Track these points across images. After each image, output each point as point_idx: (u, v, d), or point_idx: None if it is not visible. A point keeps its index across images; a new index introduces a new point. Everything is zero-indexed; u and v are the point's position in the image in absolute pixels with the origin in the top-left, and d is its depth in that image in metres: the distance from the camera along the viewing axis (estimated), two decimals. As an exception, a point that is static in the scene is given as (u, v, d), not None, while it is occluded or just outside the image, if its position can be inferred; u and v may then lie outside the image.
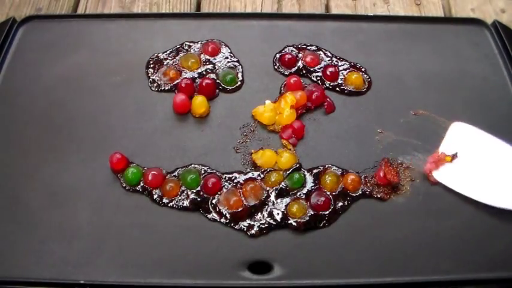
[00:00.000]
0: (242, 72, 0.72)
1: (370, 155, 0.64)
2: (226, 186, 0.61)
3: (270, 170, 0.62)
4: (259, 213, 0.59)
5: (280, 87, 0.71)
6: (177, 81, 0.70)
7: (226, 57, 0.74)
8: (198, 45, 0.75)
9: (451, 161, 0.63)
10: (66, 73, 0.72)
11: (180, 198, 0.60)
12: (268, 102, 0.68)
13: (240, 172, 0.62)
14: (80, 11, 0.85)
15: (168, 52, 0.74)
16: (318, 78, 0.72)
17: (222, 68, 0.72)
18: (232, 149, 0.65)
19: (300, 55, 0.74)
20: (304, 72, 0.72)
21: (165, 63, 0.73)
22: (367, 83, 0.71)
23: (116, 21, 0.79)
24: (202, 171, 0.62)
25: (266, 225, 0.59)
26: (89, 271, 0.55)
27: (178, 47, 0.74)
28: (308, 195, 0.61)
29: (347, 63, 0.73)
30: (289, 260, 0.56)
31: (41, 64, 0.72)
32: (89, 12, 0.85)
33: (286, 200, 0.60)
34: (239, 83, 0.71)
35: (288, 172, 0.62)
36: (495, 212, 0.59)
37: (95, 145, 0.65)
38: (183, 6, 0.87)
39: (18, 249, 0.57)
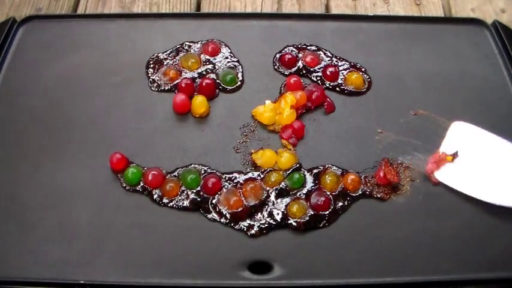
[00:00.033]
0: (242, 72, 0.72)
1: (370, 155, 0.64)
2: (226, 186, 0.61)
3: (270, 170, 0.62)
4: (259, 213, 0.59)
5: (280, 87, 0.71)
6: (177, 81, 0.70)
7: (226, 57, 0.73)
8: (198, 45, 0.75)
9: (452, 160, 0.63)
10: (66, 73, 0.71)
11: (180, 198, 0.60)
12: (268, 102, 0.68)
13: (240, 172, 0.62)
14: (80, 11, 0.85)
15: (168, 52, 0.74)
16: (318, 78, 0.72)
17: (222, 68, 0.72)
18: (232, 149, 0.65)
19: (300, 55, 0.74)
20: (304, 72, 0.72)
21: (165, 63, 0.73)
22: (367, 83, 0.71)
23: (116, 21, 0.79)
24: (202, 171, 0.62)
25: (266, 225, 0.58)
26: (89, 271, 0.55)
27: (178, 47, 0.74)
28: (308, 195, 0.61)
29: (347, 63, 0.73)
30: (289, 260, 0.56)
31: (41, 64, 0.72)
32: (88, 12, 0.85)
33: (286, 200, 0.60)
34: (239, 83, 0.71)
35: (288, 172, 0.62)
36: (495, 212, 0.59)
37: (95, 145, 0.64)
38: (183, 6, 0.86)
39: (18, 249, 0.57)
